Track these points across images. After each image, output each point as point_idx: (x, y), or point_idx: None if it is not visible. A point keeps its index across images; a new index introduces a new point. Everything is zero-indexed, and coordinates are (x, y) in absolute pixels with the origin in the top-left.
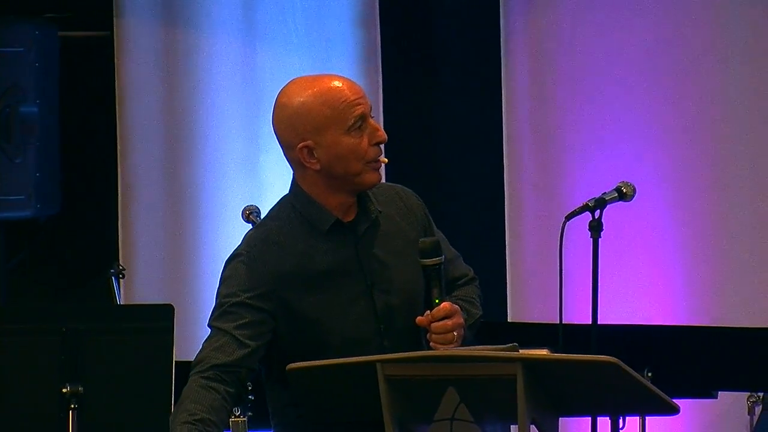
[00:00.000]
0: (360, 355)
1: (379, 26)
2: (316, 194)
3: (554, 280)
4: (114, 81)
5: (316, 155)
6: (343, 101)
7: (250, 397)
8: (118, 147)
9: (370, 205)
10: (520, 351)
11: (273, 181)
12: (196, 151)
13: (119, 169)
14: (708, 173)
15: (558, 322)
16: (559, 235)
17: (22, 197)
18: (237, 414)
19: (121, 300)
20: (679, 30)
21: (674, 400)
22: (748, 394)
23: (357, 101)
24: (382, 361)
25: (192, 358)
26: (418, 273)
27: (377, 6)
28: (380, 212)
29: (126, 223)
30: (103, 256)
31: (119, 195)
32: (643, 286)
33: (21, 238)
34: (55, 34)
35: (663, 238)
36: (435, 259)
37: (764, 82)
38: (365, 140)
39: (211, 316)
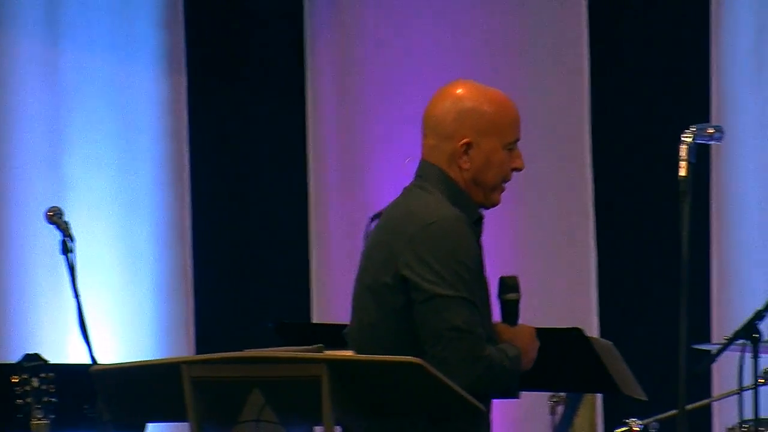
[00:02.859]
0: None
1: (183, 27)
2: (462, 188)
3: None
4: None
5: (470, 154)
6: (512, 118)
7: (52, 399)
8: None
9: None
10: (326, 352)
11: (76, 181)
12: None
13: None
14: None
15: None
16: (364, 236)
17: None
18: (39, 417)
19: None
20: (482, 29)
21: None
22: (551, 394)
23: (518, 125)
24: (187, 362)
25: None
26: None
27: (181, 7)
28: None
29: None
30: None
31: None
32: None
33: None
34: None
35: None
36: (516, 295)
37: (566, 79)
38: (510, 162)
39: (453, 284)
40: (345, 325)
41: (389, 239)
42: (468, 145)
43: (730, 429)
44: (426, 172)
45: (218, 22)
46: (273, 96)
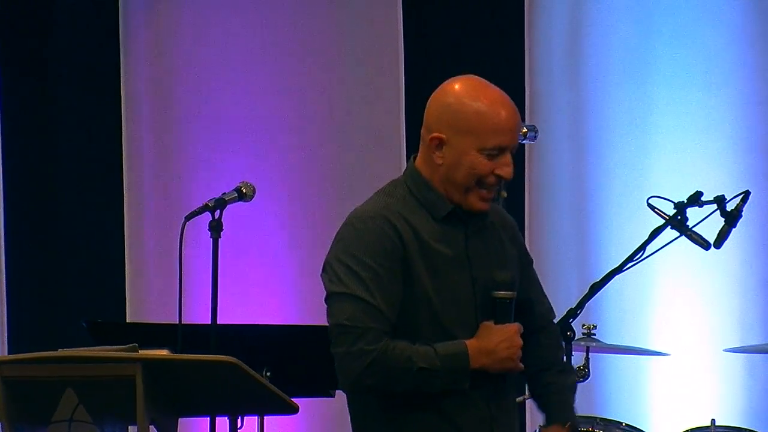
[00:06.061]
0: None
1: None
2: (435, 182)
3: (174, 280)
4: None
5: (443, 151)
6: (496, 124)
7: None
8: None
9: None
10: (140, 351)
11: None
12: None
13: None
14: (322, 173)
15: (177, 322)
16: (179, 236)
17: None
18: None
19: None
20: (299, 30)
21: (293, 400)
22: None
23: (505, 132)
24: None
25: None
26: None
27: None
28: (492, 222)
29: None
30: None
31: None
32: (260, 285)
33: None
34: None
35: (279, 238)
36: (509, 293)
37: (381, 78)
38: (491, 167)
39: (345, 281)
40: (159, 325)
41: None
42: (439, 140)
43: (542, 426)
44: (407, 166)
45: (30, 16)
46: (87, 94)
